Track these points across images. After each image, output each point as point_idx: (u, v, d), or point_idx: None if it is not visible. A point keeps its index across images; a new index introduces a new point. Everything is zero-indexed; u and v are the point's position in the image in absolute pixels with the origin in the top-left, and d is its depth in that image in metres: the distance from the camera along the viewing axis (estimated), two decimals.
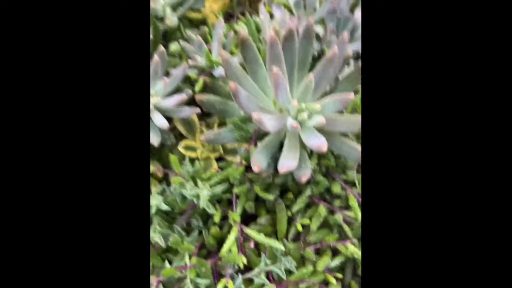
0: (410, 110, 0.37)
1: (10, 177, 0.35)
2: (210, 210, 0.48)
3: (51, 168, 0.35)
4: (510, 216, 0.35)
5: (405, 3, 0.38)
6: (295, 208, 0.51)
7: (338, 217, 0.50)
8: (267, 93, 0.50)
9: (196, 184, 0.49)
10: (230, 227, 0.50)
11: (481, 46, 0.36)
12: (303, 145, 0.47)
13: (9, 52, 0.36)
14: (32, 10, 0.37)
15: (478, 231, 0.35)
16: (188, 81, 0.57)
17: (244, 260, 0.47)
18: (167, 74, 0.56)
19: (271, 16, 0.68)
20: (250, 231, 0.48)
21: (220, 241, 0.50)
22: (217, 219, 0.48)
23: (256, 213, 0.53)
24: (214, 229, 0.49)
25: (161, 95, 0.53)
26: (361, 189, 0.50)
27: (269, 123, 0.44)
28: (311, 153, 0.51)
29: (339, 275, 0.49)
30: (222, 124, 0.60)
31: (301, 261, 0.51)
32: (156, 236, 0.46)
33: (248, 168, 0.52)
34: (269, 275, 0.48)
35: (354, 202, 0.49)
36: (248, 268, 0.49)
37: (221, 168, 0.55)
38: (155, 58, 0.51)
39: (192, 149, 0.57)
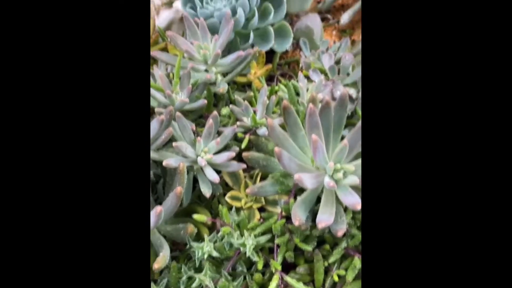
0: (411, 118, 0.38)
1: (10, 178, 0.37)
2: (254, 257, 0.53)
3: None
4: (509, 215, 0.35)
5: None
6: (332, 259, 0.55)
7: None
8: (306, 152, 0.56)
9: (242, 233, 0.55)
10: (272, 274, 0.54)
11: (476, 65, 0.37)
12: (338, 201, 0.53)
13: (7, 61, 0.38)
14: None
15: (478, 232, 0.36)
16: (235, 138, 0.65)
17: None
18: (218, 132, 0.65)
19: (308, 79, 0.77)
20: (289, 279, 0.53)
21: (262, 287, 0.55)
22: (260, 266, 0.54)
23: (295, 262, 0.57)
24: (257, 276, 0.54)
25: (213, 152, 0.61)
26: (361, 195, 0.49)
27: (308, 181, 0.50)
28: (345, 208, 0.56)
29: None
30: (264, 176, 0.67)
31: None
32: (206, 280, 0.52)
33: (288, 219, 0.57)
34: None
35: None
36: None
37: (263, 218, 0.61)
38: (210, 121, 0.59)
39: (237, 199, 0.64)
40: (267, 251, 0.58)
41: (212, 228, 0.62)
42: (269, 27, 0.77)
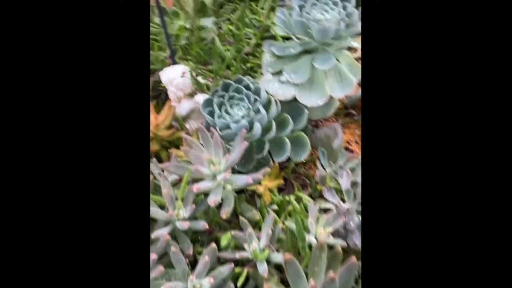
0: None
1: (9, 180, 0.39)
2: None
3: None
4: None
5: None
6: None
7: None
8: None
9: None
10: None
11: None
12: None
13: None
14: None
15: (478, 232, 0.37)
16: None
17: None
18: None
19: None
20: None
21: None
22: None
23: None
24: None
25: None
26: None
27: None
28: None
29: None
30: None
31: None
32: None
33: None
34: None
35: None
36: None
37: None
38: (205, 258, 0.56)
39: None
40: None
41: None
42: (285, 138, 0.74)
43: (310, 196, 0.78)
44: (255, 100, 0.72)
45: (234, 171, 0.77)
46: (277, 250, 0.62)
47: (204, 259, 0.56)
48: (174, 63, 0.94)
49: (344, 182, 0.73)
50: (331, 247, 0.58)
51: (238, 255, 0.59)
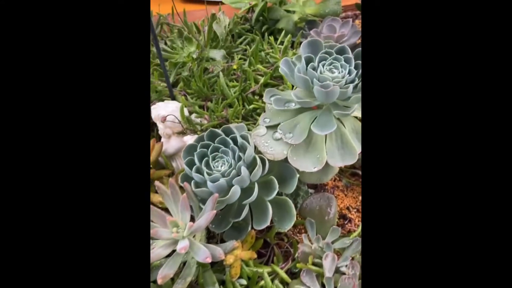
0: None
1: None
2: None
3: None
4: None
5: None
6: None
7: None
8: None
9: None
10: None
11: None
12: None
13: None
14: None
15: (478, 233, 0.37)
16: None
17: None
18: None
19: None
20: None
21: None
22: None
23: None
24: None
25: None
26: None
27: None
28: None
29: None
30: None
31: None
32: None
33: None
34: None
35: None
36: None
37: None
38: None
39: None
40: None
41: None
42: (267, 203, 0.66)
43: (289, 271, 0.69)
44: (240, 158, 0.64)
45: (209, 231, 0.70)
46: None
47: None
48: (173, 98, 0.88)
49: (328, 267, 0.63)
50: None
51: None
